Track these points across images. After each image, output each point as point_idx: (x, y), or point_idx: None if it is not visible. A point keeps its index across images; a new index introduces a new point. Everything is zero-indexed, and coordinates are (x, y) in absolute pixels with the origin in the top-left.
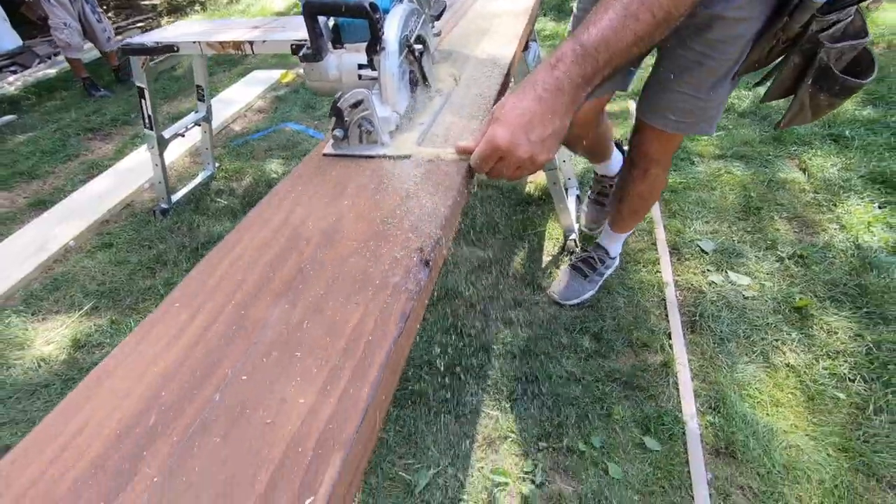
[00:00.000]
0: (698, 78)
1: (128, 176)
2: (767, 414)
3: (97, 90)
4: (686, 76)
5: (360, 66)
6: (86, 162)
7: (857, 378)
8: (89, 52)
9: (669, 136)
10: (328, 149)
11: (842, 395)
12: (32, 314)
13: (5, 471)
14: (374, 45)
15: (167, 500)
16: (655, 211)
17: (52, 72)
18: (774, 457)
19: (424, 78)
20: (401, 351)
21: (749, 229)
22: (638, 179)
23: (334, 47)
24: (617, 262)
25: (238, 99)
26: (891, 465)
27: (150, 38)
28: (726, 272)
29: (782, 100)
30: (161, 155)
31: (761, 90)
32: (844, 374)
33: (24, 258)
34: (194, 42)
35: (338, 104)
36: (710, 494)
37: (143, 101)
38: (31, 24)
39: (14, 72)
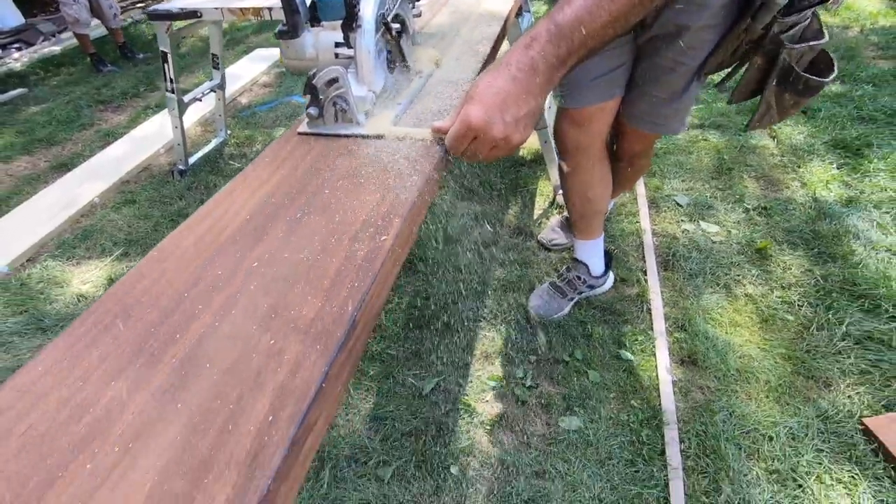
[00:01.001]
0: (673, 82)
1: (143, 142)
2: (726, 332)
3: (104, 66)
4: (661, 82)
5: (337, 45)
6: (101, 130)
7: (805, 304)
8: (95, 29)
9: (654, 135)
10: (303, 127)
11: (790, 317)
12: (67, 259)
13: (176, 237)
14: (350, 22)
15: (292, 242)
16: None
17: (56, 49)
18: (729, 363)
19: (403, 58)
20: (433, 183)
21: (720, 187)
22: (623, 170)
23: (311, 25)
24: (609, 280)
25: (244, 74)
26: (826, 370)
27: (175, 5)
28: (698, 222)
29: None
30: (181, 118)
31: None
32: (794, 300)
33: (53, 213)
34: (216, 8)
35: (312, 81)
36: (674, 392)
37: (165, 65)
38: (31, 3)
39: (19, 48)
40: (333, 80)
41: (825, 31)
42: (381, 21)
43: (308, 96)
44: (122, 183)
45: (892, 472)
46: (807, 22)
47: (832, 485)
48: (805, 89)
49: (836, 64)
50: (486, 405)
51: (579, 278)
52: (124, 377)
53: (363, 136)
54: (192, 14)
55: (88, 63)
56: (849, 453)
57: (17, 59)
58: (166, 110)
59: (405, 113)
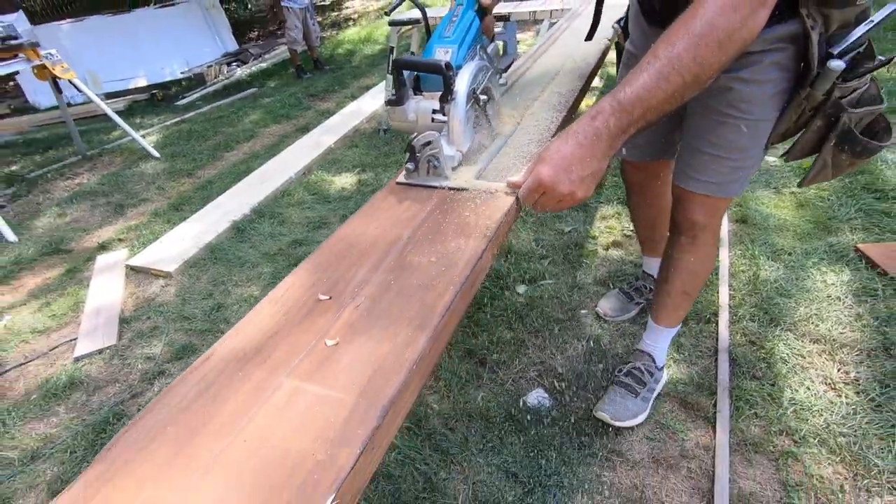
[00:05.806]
0: (722, 136)
1: (350, 116)
2: (771, 210)
3: (304, 74)
4: (711, 136)
5: (434, 112)
6: (317, 111)
7: (834, 197)
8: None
9: (711, 200)
10: (401, 178)
11: (821, 203)
12: (327, 172)
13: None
14: (446, 95)
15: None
16: None
17: (263, 65)
18: (770, 223)
19: (488, 122)
20: (506, 225)
21: None
22: (687, 248)
23: (414, 94)
24: (664, 376)
25: None
26: (839, 227)
27: (404, 16)
28: None
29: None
30: None
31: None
32: (826, 196)
33: (308, 151)
34: (432, 17)
35: (412, 143)
36: (729, 234)
37: (390, 55)
38: (237, 36)
39: (238, 65)
40: (429, 142)
41: (882, 97)
42: (471, 94)
43: (407, 154)
44: (344, 136)
45: (869, 268)
46: (866, 87)
47: (826, 272)
48: (863, 151)
49: (892, 129)
50: (605, 238)
51: (645, 369)
52: None
53: (450, 188)
54: (416, 21)
55: (292, 72)
56: (842, 260)
57: (241, 72)
58: (360, 99)
59: (486, 168)
